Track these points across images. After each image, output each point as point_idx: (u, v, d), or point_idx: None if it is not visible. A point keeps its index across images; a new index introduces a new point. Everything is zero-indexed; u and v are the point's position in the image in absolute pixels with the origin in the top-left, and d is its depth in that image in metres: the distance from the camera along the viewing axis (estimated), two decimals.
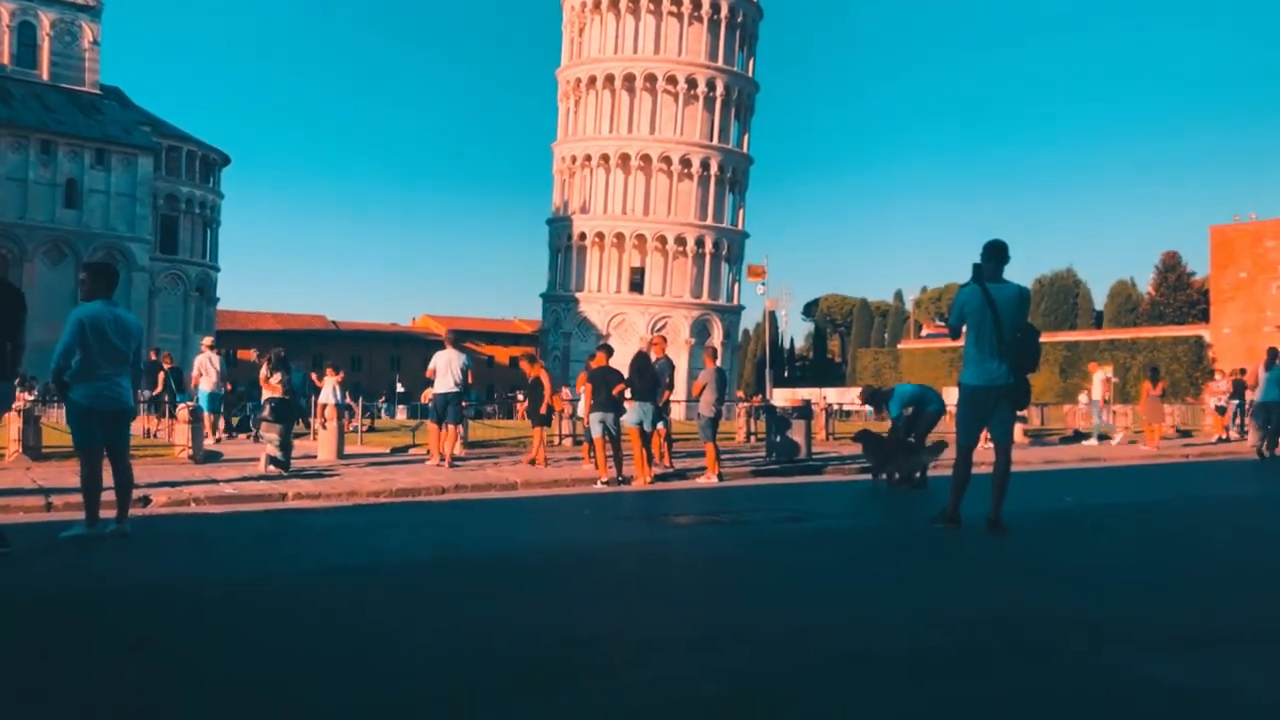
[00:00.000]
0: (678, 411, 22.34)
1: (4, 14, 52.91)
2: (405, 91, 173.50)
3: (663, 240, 54.64)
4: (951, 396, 8.97)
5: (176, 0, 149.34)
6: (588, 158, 55.28)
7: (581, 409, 14.73)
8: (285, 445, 11.77)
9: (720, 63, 55.17)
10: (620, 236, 54.69)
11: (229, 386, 19.57)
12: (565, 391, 21.62)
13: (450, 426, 13.07)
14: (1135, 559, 6.35)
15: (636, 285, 54.98)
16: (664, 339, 14.63)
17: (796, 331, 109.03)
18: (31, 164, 50.47)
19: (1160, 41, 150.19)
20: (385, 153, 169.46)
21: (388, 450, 16.12)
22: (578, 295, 55.59)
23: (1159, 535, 7.62)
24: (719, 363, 13.80)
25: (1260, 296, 57.39)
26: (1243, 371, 22.75)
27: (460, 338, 15.90)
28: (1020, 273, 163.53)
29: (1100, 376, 20.89)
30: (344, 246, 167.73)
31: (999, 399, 6.86)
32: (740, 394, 46.22)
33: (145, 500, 8.82)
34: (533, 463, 13.49)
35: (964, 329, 6.93)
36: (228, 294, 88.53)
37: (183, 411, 13.77)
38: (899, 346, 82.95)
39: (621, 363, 12.63)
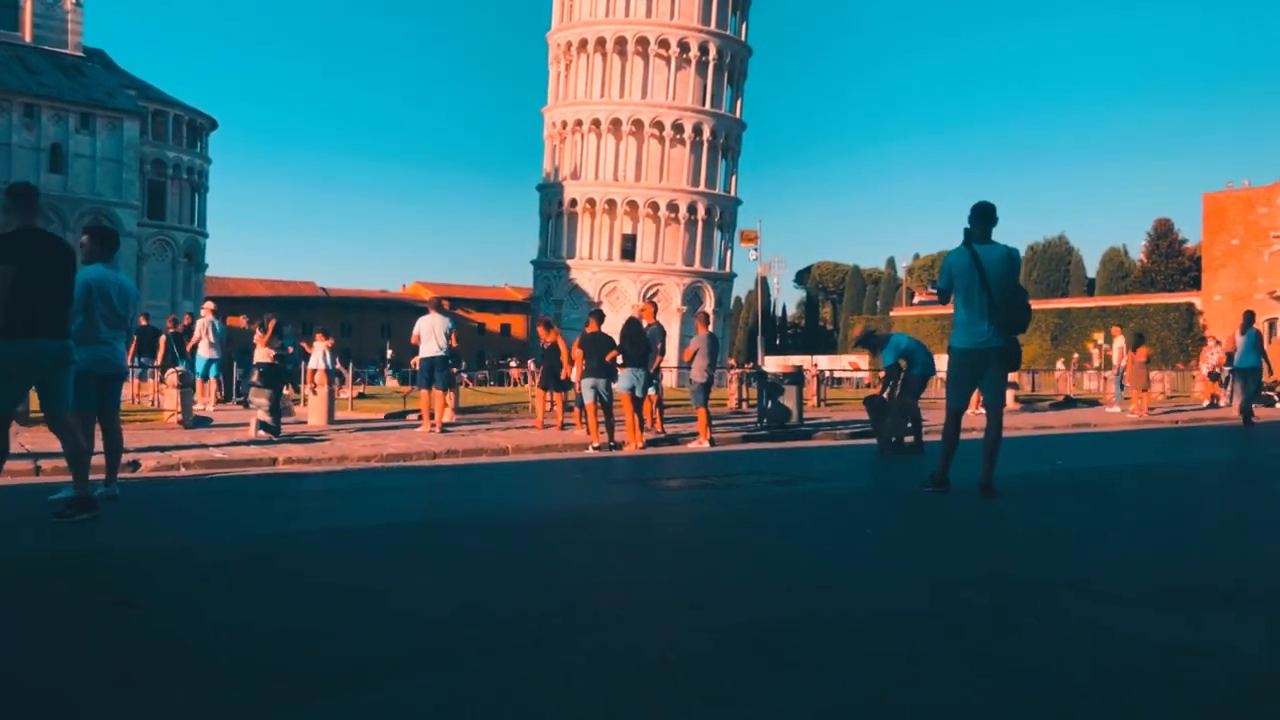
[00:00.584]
0: (670, 378, 22.30)
1: None
2: (394, 55, 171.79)
3: (654, 207, 54.37)
4: (944, 362, 8.95)
5: None
6: (579, 123, 54.84)
7: (574, 375, 14.74)
8: (275, 410, 11.72)
9: (713, 26, 54.61)
10: (612, 203, 54.41)
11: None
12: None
13: (437, 391, 13.11)
14: (1124, 521, 6.37)
15: (628, 252, 54.77)
16: (654, 305, 14.59)
17: (789, 299, 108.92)
18: (15, 127, 49.79)
19: (1154, 9, 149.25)
20: (375, 118, 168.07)
21: (383, 416, 16.07)
22: (569, 262, 55.37)
23: (1147, 498, 7.65)
24: (711, 328, 13.78)
25: (1252, 263, 57.45)
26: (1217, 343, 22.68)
27: (451, 305, 15.82)
28: (1013, 240, 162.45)
29: (1120, 343, 20.27)
30: (334, 213, 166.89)
31: (990, 362, 6.83)
32: (732, 361, 46.20)
33: (134, 465, 8.78)
34: (548, 426, 13.65)
35: (952, 293, 6.90)
36: (216, 260, 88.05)
37: (172, 377, 13.69)
38: (891, 314, 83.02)
39: (613, 330, 12.60)
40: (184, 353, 17.60)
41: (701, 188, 55.08)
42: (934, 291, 7.43)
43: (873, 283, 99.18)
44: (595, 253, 54.86)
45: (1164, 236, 76.15)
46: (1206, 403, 21.39)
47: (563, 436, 12.58)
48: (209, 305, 18.59)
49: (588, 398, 11.89)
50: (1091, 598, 3.99)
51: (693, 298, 54.69)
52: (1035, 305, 60.24)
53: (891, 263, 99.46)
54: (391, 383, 39.30)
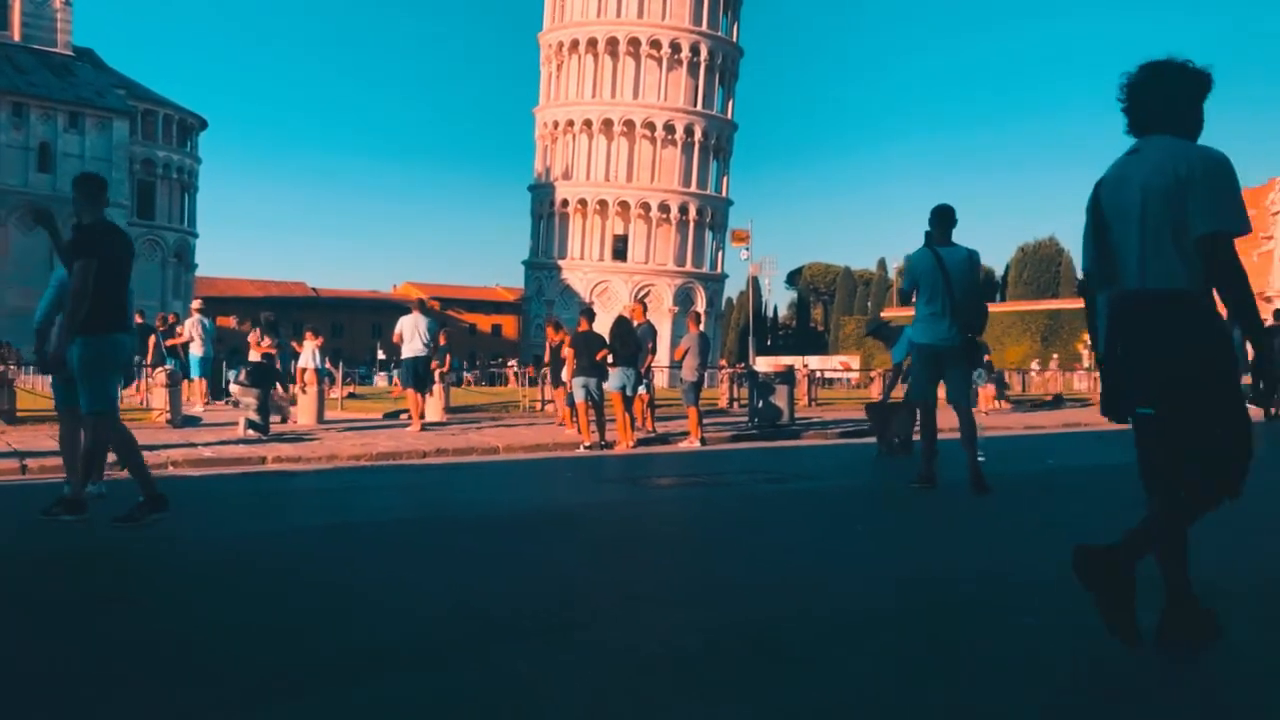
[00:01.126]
0: (661, 378, 22.31)
1: None
2: (385, 55, 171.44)
3: (646, 207, 54.36)
4: None
5: None
6: (570, 123, 54.80)
7: (565, 374, 14.74)
8: (264, 409, 11.67)
9: (704, 27, 54.65)
10: (603, 203, 54.38)
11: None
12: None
13: (413, 390, 13.23)
14: (1116, 517, 6.37)
15: (619, 253, 54.75)
16: (644, 305, 14.59)
17: (780, 300, 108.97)
18: (3, 127, 49.55)
19: (1143, 11, 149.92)
20: (366, 118, 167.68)
21: (381, 416, 16.00)
22: (560, 263, 55.32)
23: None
24: (702, 327, 13.78)
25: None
26: None
27: (443, 305, 15.85)
28: (1003, 241, 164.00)
29: None
30: (325, 213, 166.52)
31: (952, 360, 7.01)
32: (724, 362, 46.23)
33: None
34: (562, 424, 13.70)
35: (914, 293, 7.10)
36: (206, 260, 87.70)
37: (160, 375, 13.63)
38: (881, 315, 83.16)
39: (603, 330, 12.59)
40: (174, 351, 17.49)
41: (693, 188, 55.10)
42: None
43: (864, 284, 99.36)
44: (587, 253, 54.83)
45: None
46: None
47: (554, 435, 12.55)
48: (196, 303, 18.50)
49: (579, 397, 11.87)
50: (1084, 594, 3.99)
51: (684, 298, 54.69)
52: (1026, 306, 60.33)
53: (882, 264, 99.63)
54: (382, 383, 39.21)
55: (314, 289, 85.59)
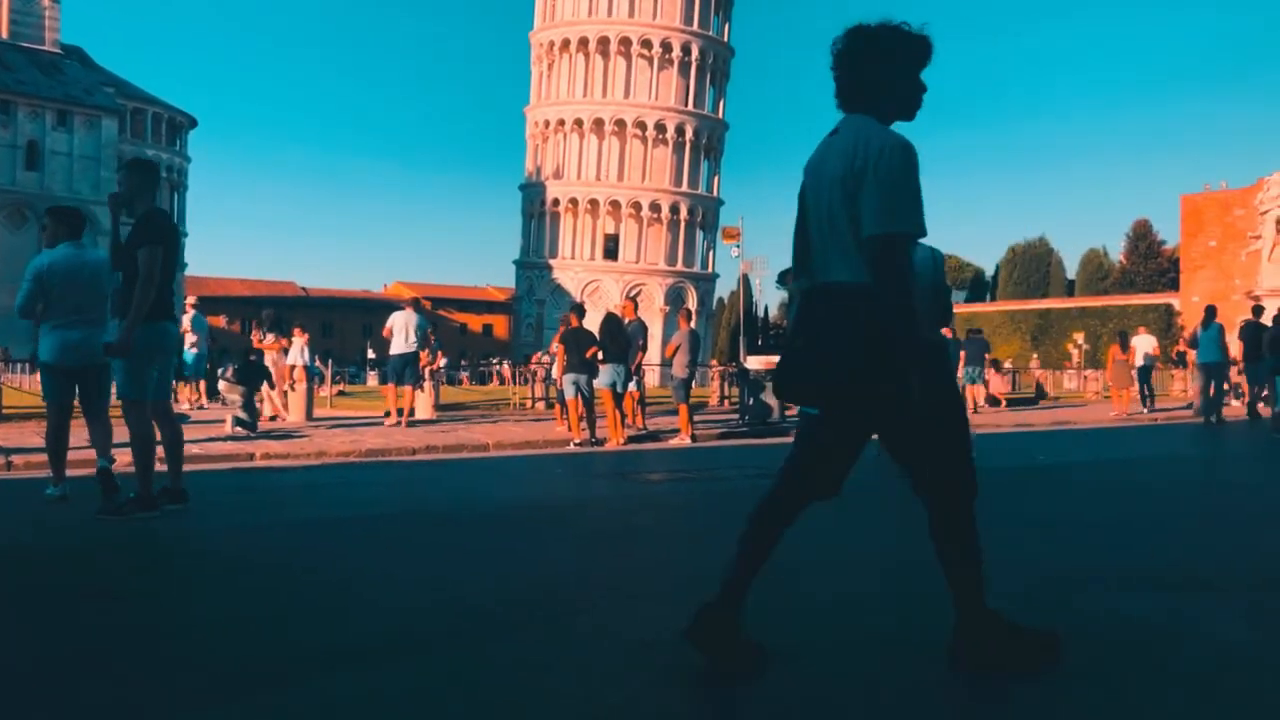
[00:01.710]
0: (652, 377, 22.27)
1: None
2: (376, 54, 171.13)
3: (637, 207, 54.34)
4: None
5: None
6: (561, 122, 54.75)
7: (555, 371, 14.70)
8: (250, 406, 11.62)
9: (695, 27, 54.66)
10: (594, 203, 54.34)
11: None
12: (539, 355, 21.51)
13: (408, 387, 13.25)
14: (1104, 512, 6.39)
15: (610, 252, 54.72)
16: (634, 302, 14.57)
17: (771, 300, 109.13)
18: None
19: (1131, 11, 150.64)
20: (356, 117, 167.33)
21: (383, 414, 15.89)
22: (551, 262, 55.25)
23: (1126, 490, 7.67)
24: (693, 324, 13.77)
25: (1229, 265, 58.00)
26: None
27: (433, 305, 15.82)
28: (993, 242, 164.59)
29: (1149, 343, 18.97)
30: (315, 212, 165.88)
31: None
32: (714, 362, 46.25)
33: (110, 460, 8.64)
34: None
35: None
36: (196, 260, 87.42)
37: None
38: None
39: (593, 327, 12.57)
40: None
41: (684, 188, 55.10)
42: None
43: None
44: (578, 253, 54.77)
45: (1143, 238, 76.73)
46: (1189, 401, 21.51)
47: (544, 432, 12.52)
48: (191, 300, 18.38)
49: (569, 393, 11.85)
50: (1073, 584, 4.00)
51: (675, 298, 54.67)
52: (1016, 306, 60.35)
53: None
54: (373, 382, 39.13)
55: (304, 288, 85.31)
